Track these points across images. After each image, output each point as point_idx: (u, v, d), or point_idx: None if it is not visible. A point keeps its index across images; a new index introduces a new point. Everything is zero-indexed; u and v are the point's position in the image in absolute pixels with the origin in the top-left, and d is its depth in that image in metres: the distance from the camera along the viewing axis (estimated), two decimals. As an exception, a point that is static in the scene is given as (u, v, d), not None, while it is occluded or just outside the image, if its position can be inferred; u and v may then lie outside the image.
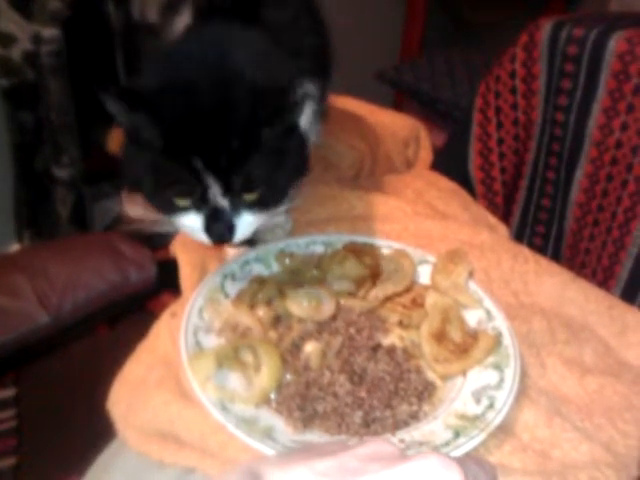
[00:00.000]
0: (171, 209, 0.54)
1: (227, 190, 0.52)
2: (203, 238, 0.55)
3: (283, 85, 0.52)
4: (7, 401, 1.19)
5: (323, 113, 0.75)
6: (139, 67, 0.58)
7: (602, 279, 0.83)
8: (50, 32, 1.10)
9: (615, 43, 0.78)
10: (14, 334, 0.65)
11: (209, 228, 0.54)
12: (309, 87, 0.52)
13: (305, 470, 0.29)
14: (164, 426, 0.53)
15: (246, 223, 0.55)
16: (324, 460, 0.30)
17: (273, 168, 0.54)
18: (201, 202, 0.53)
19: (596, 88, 0.81)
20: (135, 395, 0.57)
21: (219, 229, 0.54)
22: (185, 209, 0.54)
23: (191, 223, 0.54)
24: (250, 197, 0.54)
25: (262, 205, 0.55)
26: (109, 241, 0.74)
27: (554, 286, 0.70)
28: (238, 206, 0.54)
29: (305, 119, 0.64)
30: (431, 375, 0.58)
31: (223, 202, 0.53)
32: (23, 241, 1.34)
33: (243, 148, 0.51)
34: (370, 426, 0.52)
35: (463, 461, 0.30)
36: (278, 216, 0.70)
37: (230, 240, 0.55)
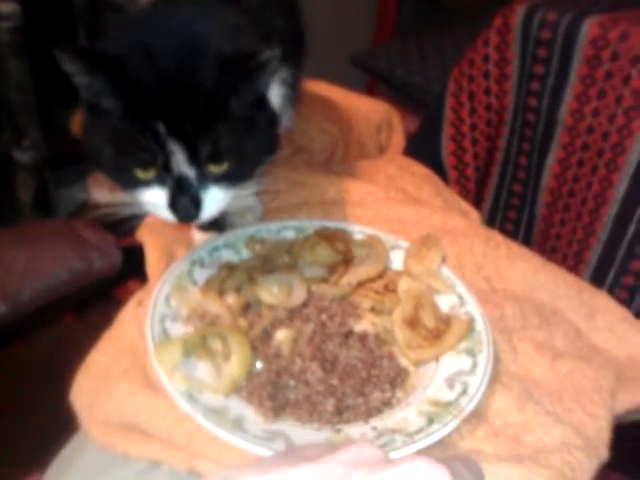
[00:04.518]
0: (133, 183, 0.51)
1: (193, 158, 0.49)
2: (168, 215, 0.52)
3: (248, 51, 0.50)
4: (-32, 393, 1.15)
5: (296, 98, 0.73)
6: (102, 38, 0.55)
7: (572, 264, 0.84)
8: (8, 7, 1.05)
9: (588, 28, 0.77)
10: (-31, 324, 0.62)
11: (174, 203, 0.51)
12: (275, 52, 0.50)
13: (287, 478, 0.28)
14: (129, 418, 0.51)
15: (214, 199, 0.52)
16: (306, 466, 0.28)
17: (241, 139, 0.51)
18: (165, 173, 0.50)
19: (568, 73, 0.81)
20: (99, 386, 0.55)
21: (185, 203, 0.51)
22: (148, 183, 0.51)
23: (155, 199, 0.52)
24: (217, 170, 0.51)
25: (230, 179, 0.52)
26: (71, 227, 0.71)
27: (525, 271, 0.70)
28: (205, 179, 0.51)
29: (276, 100, 0.63)
30: (404, 361, 0.57)
31: (189, 172, 0.50)
32: (-17, 228, 1.29)
33: (209, 114, 0.49)
34: (342, 414, 0.52)
35: (450, 462, 0.29)
36: (247, 199, 0.69)
37: (196, 217, 0.52)
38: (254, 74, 0.51)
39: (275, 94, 0.63)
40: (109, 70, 0.48)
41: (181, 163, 0.50)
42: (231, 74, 0.49)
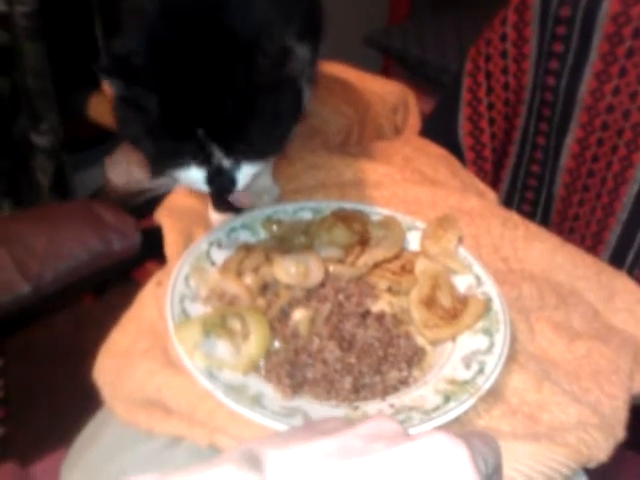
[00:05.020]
0: (172, 167, 0.54)
1: (230, 153, 0.53)
2: (205, 189, 0.56)
3: (282, 59, 0.51)
4: (-7, 372, 1.17)
5: (312, 78, 0.73)
6: (119, 27, 0.55)
7: (591, 245, 0.83)
8: (24, -8, 1.05)
9: (609, 4, 0.76)
10: (-6, 304, 0.64)
11: (212, 181, 0.55)
12: (306, 54, 0.51)
13: (307, 451, 0.28)
14: (151, 395, 0.52)
15: (246, 174, 0.56)
16: (326, 440, 0.29)
17: (272, 127, 0.54)
18: (204, 163, 0.54)
19: (588, 51, 0.79)
20: (121, 365, 0.56)
21: (222, 182, 0.55)
22: (187, 166, 0.54)
23: (193, 176, 0.55)
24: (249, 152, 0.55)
25: (260, 157, 0.56)
26: (90, 209, 0.72)
27: (543, 252, 0.70)
28: (239, 162, 0.55)
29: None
30: (421, 341, 0.57)
31: (226, 162, 0.54)
32: (2, 211, 1.31)
33: (244, 116, 0.51)
34: (360, 392, 0.52)
35: (468, 437, 0.29)
36: (265, 181, 0.69)
37: (231, 191, 0.57)
38: (287, 81, 0.53)
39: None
40: (146, 81, 0.49)
41: (219, 157, 0.53)
42: (263, 78, 0.50)
